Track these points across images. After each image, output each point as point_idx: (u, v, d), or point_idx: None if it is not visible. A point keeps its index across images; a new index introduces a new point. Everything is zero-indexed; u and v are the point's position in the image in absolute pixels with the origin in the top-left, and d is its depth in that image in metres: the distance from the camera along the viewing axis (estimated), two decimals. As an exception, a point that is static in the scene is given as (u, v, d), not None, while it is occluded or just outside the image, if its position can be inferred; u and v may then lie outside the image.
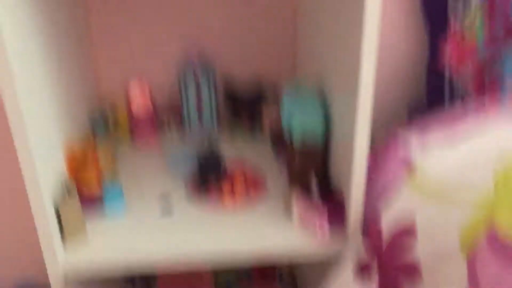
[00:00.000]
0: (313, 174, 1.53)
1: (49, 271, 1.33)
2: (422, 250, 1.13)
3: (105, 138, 1.71)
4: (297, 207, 1.44)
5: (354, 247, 1.33)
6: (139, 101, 2.03)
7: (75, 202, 1.33)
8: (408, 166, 1.35)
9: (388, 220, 1.25)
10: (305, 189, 1.52)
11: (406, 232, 1.18)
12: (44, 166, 1.25)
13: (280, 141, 1.86)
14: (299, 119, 1.46)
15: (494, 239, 1.01)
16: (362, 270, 1.26)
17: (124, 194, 1.55)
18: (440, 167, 1.25)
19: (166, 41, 1.96)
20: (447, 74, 1.85)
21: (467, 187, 1.15)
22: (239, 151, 1.90)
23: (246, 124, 2.01)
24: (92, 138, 1.53)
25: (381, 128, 1.94)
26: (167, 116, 2.04)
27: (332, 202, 1.42)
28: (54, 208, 1.29)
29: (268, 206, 1.57)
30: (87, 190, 1.47)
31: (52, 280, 1.34)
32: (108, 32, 1.93)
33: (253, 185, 1.61)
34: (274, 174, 1.74)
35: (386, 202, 1.32)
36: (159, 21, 1.93)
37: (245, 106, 2.03)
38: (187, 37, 1.95)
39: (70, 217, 1.32)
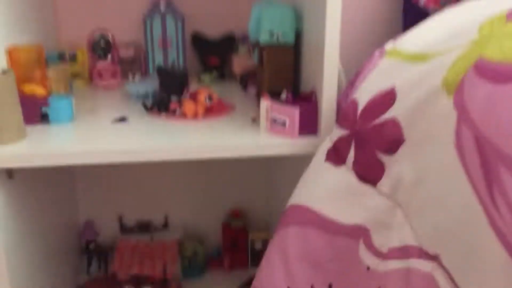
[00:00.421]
0: (283, 81, 1.40)
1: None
2: (402, 106, 0.99)
3: (59, 66, 1.57)
4: (265, 110, 1.29)
5: (326, 139, 1.18)
6: (101, 48, 1.91)
7: (11, 83, 1.17)
8: (382, 51, 1.24)
9: (363, 90, 1.11)
10: (275, 96, 1.38)
11: (383, 95, 1.04)
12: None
13: (250, 82, 1.73)
14: (269, 13, 1.35)
15: (482, 66, 0.88)
16: (335, 148, 1.11)
17: (74, 110, 1.39)
18: (418, 39, 1.14)
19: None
20: (425, 8, 1.78)
21: (450, 42, 1.03)
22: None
23: (215, 69, 1.89)
24: (42, 52, 1.39)
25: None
26: (130, 65, 1.91)
27: (303, 102, 1.28)
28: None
29: (234, 119, 1.42)
30: (29, 91, 1.31)
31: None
32: None
33: (219, 104, 1.47)
34: (244, 102, 1.60)
35: (360, 79, 1.19)
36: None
37: (214, 51, 1.91)
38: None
39: (5, 100, 1.15)
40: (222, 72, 1.91)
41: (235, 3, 1.94)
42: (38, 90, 1.32)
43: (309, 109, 1.24)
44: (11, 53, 1.30)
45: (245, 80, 1.74)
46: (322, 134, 1.24)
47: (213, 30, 1.94)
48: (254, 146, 1.23)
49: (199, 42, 1.92)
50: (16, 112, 1.19)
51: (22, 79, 1.33)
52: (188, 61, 1.91)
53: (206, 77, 1.84)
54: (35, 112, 1.32)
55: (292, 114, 1.22)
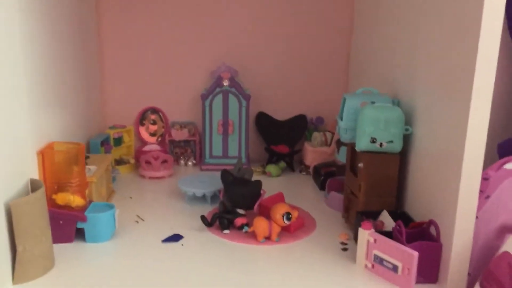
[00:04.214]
0: (382, 198, 1.08)
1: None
2: None
3: (101, 158, 1.31)
4: (365, 242, 0.97)
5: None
6: (151, 130, 1.65)
7: (40, 204, 0.90)
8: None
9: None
10: (369, 217, 1.06)
11: None
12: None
13: (326, 175, 1.42)
14: (372, 115, 1.04)
15: None
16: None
17: (117, 219, 1.10)
18: None
19: (187, 72, 1.64)
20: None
21: None
22: (274, 184, 1.47)
23: (282, 155, 1.59)
24: (82, 151, 1.11)
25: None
26: (182, 149, 1.64)
27: (418, 238, 0.95)
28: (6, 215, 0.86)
29: (317, 242, 1.10)
30: (63, 202, 1.04)
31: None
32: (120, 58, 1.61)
33: (297, 220, 1.15)
34: (322, 211, 1.28)
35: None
36: (183, 53, 1.62)
37: (283, 136, 1.62)
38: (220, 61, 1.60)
39: (29, 228, 0.88)
40: (291, 162, 1.60)
41: (308, 85, 1.66)
42: (74, 200, 1.04)
43: (432, 251, 0.91)
44: (44, 154, 1.03)
45: (320, 177, 1.43)
46: (448, 285, 0.90)
47: (281, 112, 1.66)
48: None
49: (265, 124, 1.64)
50: (44, 241, 0.91)
51: (55, 186, 1.06)
52: (250, 148, 1.63)
53: (273, 169, 1.54)
54: (69, 229, 1.04)
55: (408, 259, 0.89)
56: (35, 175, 1.01)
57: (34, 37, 1.04)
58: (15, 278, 0.88)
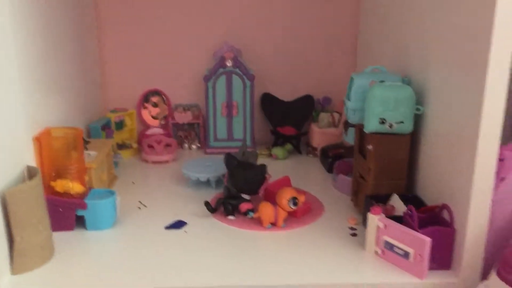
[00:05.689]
0: (392, 181, 1.04)
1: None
2: None
3: (102, 143, 1.27)
4: (375, 228, 0.93)
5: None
6: (153, 113, 1.61)
7: (36, 192, 0.87)
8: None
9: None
10: (381, 202, 1.01)
11: None
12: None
13: (334, 157, 1.38)
14: (381, 94, 0.99)
15: None
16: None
17: (119, 205, 1.07)
18: None
19: (190, 53, 1.58)
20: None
21: None
22: (280, 167, 1.43)
23: (288, 137, 1.54)
24: (80, 136, 1.07)
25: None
26: (186, 132, 1.60)
27: (431, 223, 0.91)
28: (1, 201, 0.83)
29: (326, 227, 1.06)
30: (62, 190, 1.01)
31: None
32: (120, 39, 1.55)
33: (304, 204, 1.11)
34: (330, 194, 1.24)
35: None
36: (185, 33, 1.57)
37: (289, 118, 1.57)
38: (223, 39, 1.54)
39: (26, 217, 0.85)
40: (298, 144, 1.56)
41: (314, 64, 1.60)
42: (73, 187, 1.01)
43: (445, 237, 0.87)
44: (40, 140, 1.00)
45: (328, 159, 1.39)
46: (462, 271, 0.87)
47: (287, 93, 1.61)
48: (360, 282, 0.87)
49: (271, 105, 1.59)
50: (42, 230, 0.88)
51: (53, 172, 1.02)
52: (255, 131, 1.58)
53: (279, 152, 1.49)
54: (69, 217, 1.01)
55: (421, 245, 0.85)
56: (32, 162, 0.97)
57: (26, 21, 0.99)
58: (13, 269, 0.85)
